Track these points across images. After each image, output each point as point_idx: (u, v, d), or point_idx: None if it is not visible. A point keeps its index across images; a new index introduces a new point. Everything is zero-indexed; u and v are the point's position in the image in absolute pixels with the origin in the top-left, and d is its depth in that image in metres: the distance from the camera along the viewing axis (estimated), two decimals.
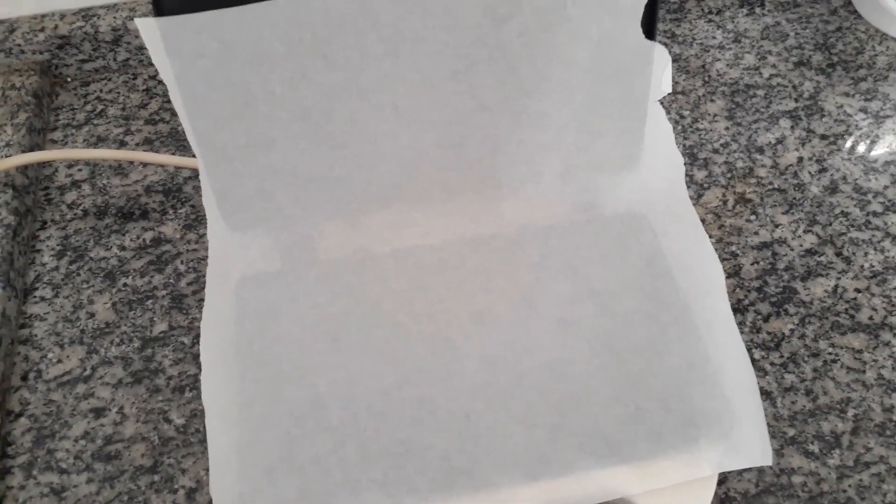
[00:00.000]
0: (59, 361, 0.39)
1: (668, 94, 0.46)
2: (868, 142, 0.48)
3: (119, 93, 0.51)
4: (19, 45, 0.50)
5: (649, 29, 0.35)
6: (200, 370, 0.37)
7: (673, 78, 0.51)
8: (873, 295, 0.41)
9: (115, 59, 0.52)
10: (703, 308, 0.34)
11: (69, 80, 0.52)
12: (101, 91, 0.51)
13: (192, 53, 0.30)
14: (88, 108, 0.50)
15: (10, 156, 0.45)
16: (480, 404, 0.32)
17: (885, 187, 0.45)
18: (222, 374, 0.32)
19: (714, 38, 0.54)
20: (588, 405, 0.31)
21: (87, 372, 0.39)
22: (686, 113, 0.49)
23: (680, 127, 0.48)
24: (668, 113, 0.48)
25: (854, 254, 0.43)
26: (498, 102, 0.34)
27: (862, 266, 0.42)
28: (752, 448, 0.30)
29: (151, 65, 0.53)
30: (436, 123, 0.34)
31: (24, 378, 0.39)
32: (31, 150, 0.47)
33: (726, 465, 0.30)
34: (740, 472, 0.35)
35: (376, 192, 0.35)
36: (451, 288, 0.35)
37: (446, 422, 0.31)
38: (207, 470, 0.35)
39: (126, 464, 0.36)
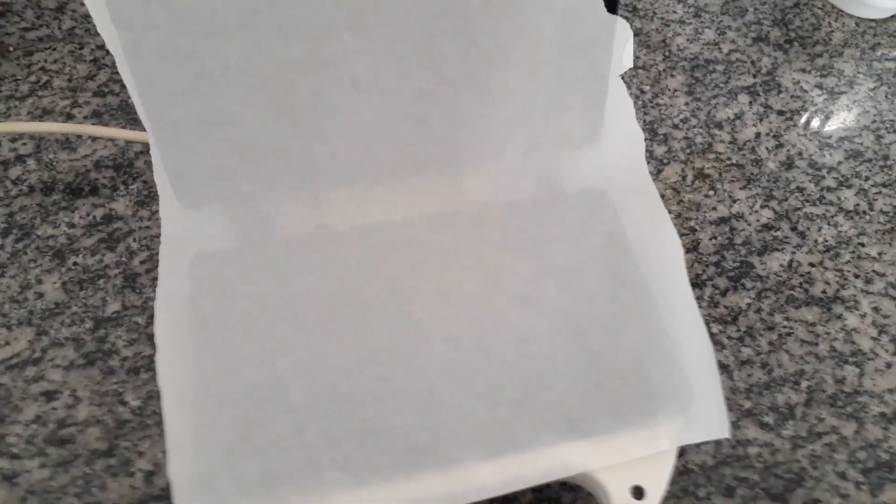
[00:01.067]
0: (7, 344, 0.38)
1: (630, 69, 0.46)
2: (823, 118, 0.48)
3: (65, 63, 0.49)
4: None
5: (611, 3, 0.35)
6: (155, 351, 0.36)
7: (634, 53, 0.51)
8: (826, 269, 0.42)
9: (59, 28, 0.50)
10: (663, 285, 0.34)
11: (11, 49, 0.50)
12: (45, 61, 0.49)
13: (141, 24, 0.29)
14: (32, 78, 0.48)
15: None
16: (444, 382, 0.31)
17: (839, 163, 0.46)
18: (178, 355, 0.31)
19: (675, 12, 0.54)
20: (550, 382, 0.32)
21: (37, 354, 0.37)
22: (647, 88, 0.49)
23: (640, 102, 0.48)
24: (629, 88, 0.48)
25: (808, 228, 0.43)
26: (461, 76, 0.33)
27: (816, 241, 0.43)
28: (710, 422, 0.31)
29: (99, 34, 0.51)
30: (398, 98, 0.33)
31: None
32: None
33: (685, 438, 0.30)
34: (698, 445, 0.36)
35: (338, 167, 0.35)
36: (415, 265, 0.34)
37: (409, 400, 0.31)
38: (165, 452, 0.35)
39: (80, 447, 0.35)
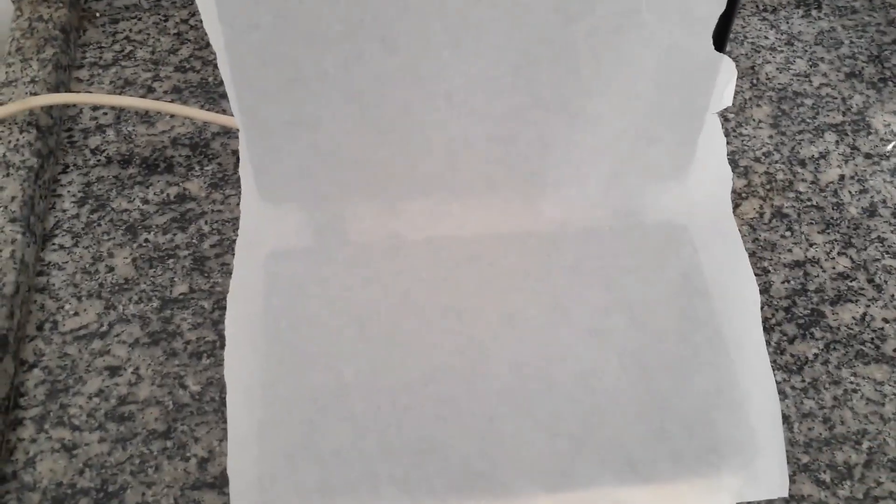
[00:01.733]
0: (76, 314, 0.38)
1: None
2: None
3: (149, 34, 0.49)
4: None
5: (720, 40, 0.34)
6: (219, 337, 0.37)
7: None
8: None
9: None
10: (737, 331, 0.33)
11: (98, 15, 0.50)
12: (130, 31, 0.49)
13: (246, 24, 0.29)
14: (117, 47, 0.49)
15: (37, 93, 0.43)
16: (505, 409, 0.31)
17: None
18: (247, 351, 0.32)
19: (766, 38, 0.52)
20: (613, 420, 0.31)
21: (104, 328, 0.38)
22: (731, 116, 0.48)
23: (724, 130, 0.47)
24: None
25: (886, 282, 0.42)
26: (555, 102, 0.33)
27: (892, 295, 0.42)
28: (771, 479, 0.30)
29: (184, 7, 0.51)
30: (488, 117, 0.33)
31: (40, 328, 0.38)
32: (57, 87, 0.45)
33: (745, 495, 0.30)
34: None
35: (418, 179, 0.35)
36: (483, 284, 0.34)
37: (469, 423, 0.31)
38: (220, 440, 0.35)
39: (139, 426, 0.36)
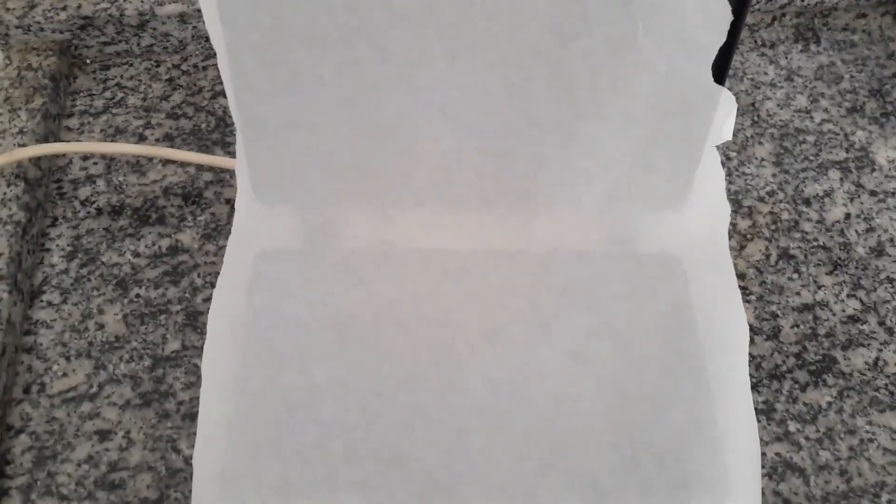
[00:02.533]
0: (65, 375, 0.37)
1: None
2: None
3: (140, 80, 0.49)
4: (39, 22, 0.47)
5: (720, 72, 0.33)
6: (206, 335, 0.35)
7: None
8: None
9: (138, 45, 0.49)
10: (721, 369, 0.33)
11: (88, 62, 0.49)
12: (121, 77, 0.49)
13: (246, 25, 0.29)
14: (108, 94, 0.48)
15: (25, 144, 0.42)
16: (475, 424, 0.31)
17: None
18: (226, 346, 0.32)
19: (766, 73, 0.51)
20: (584, 446, 0.31)
21: (94, 389, 0.37)
22: (733, 154, 0.47)
23: (726, 169, 0.46)
24: None
25: None
26: (549, 121, 0.33)
27: None
28: None
29: (176, 52, 0.50)
30: (482, 132, 0.33)
31: (27, 391, 0.37)
32: (46, 137, 0.44)
33: None
34: None
35: (411, 189, 0.35)
36: (469, 299, 0.34)
37: (437, 435, 0.30)
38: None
39: (130, 494, 0.34)
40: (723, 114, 0.34)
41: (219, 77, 0.49)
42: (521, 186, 0.35)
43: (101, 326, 0.39)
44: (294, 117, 0.32)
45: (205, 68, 0.49)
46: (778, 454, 0.37)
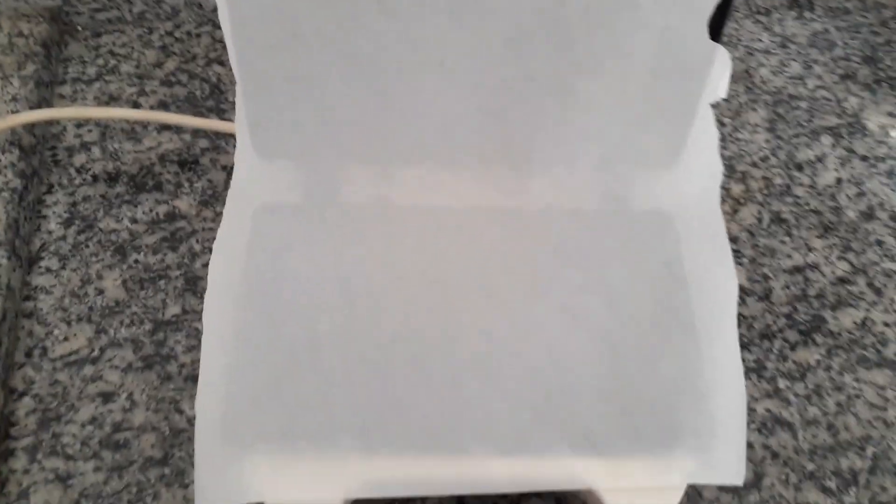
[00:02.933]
0: (66, 339, 0.37)
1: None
2: None
3: (133, 48, 0.48)
4: None
5: (716, 30, 0.34)
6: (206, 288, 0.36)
7: None
8: None
9: (130, 11, 0.49)
10: (710, 324, 0.33)
11: (80, 29, 0.49)
12: (113, 44, 0.48)
13: None
14: (100, 62, 0.47)
15: (18, 111, 0.42)
16: (470, 374, 0.32)
17: None
18: (227, 298, 0.32)
19: (760, 40, 0.52)
20: (576, 396, 0.31)
21: (96, 353, 0.37)
22: (727, 121, 0.48)
23: (720, 135, 0.47)
24: None
25: (885, 286, 0.42)
26: (548, 78, 0.33)
27: (892, 299, 0.41)
28: (727, 467, 0.31)
29: (168, 19, 0.50)
30: (481, 88, 0.33)
31: (29, 355, 0.37)
32: (39, 105, 0.44)
33: (696, 477, 0.31)
34: None
35: (410, 145, 0.35)
36: (465, 255, 0.35)
37: (434, 385, 0.31)
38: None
39: (135, 454, 0.35)
40: (718, 72, 0.35)
41: (212, 44, 0.49)
42: (518, 144, 0.35)
43: (100, 292, 0.39)
44: (295, 72, 0.32)
45: (198, 35, 0.49)
46: (768, 410, 0.38)
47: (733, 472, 0.31)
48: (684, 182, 0.37)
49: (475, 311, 0.33)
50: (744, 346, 0.39)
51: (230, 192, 0.33)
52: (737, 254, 0.42)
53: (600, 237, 0.36)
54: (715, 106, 0.48)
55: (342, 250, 0.34)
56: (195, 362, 0.37)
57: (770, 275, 0.42)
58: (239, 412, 0.30)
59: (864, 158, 0.47)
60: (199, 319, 0.38)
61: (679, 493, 0.31)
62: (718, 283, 0.34)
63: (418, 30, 0.31)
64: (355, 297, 0.33)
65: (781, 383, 0.39)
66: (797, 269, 0.42)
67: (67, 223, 0.41)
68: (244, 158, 0.34)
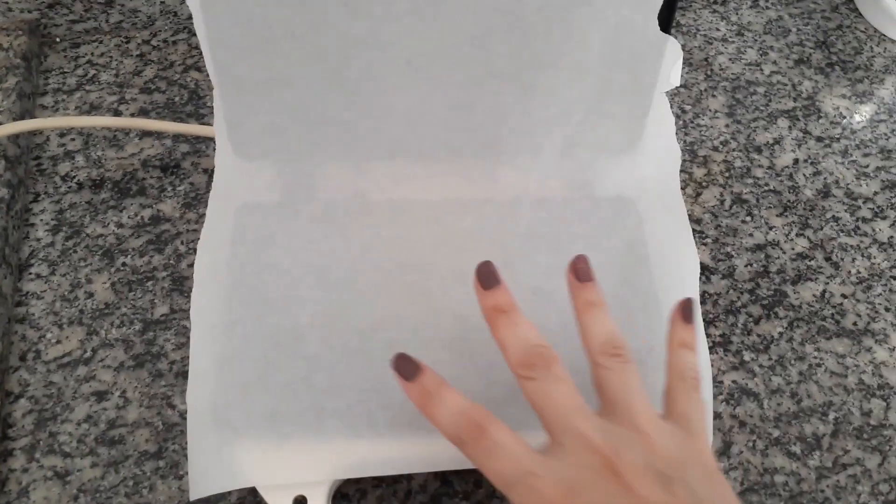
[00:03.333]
0: (59, 342, 0.39)
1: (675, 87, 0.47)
2: (861, 146, 0.49)
3: (112, 57, 0.49)
4: (6, 2, 0.47)
5: (665, 22, 0.36)
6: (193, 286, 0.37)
7: None
8: (858, 301, 0.43)
9: (107, 21, 0.50)
10: (672, 300, 0.35)
11: (58, 40, 0.50)
12: (92, 54, 0.49)
13: None
14: (80, 72, 0.49)
15: (2, 123, 0.43)
16: (447, 355, 0.34)
17: (875, 193, 0.47)
18: (212, 293, 0.34)
19: (718, 30, 0.54)
20: None
21: (88, 354, 0.38)
22: (688, 108, 0.50)
23: (681, 122, 0.49)
24: (671, 106, 0.48)
25: (842, 259, 0.44)
26: (510, 72, 0.35)
27: (849, 272, 0.44)
28: None
29: (145, 28, 0.51)
30: (447, 84, 0.35)
31: (23, 358, 0.38)
32: (22, 116, 0.45)
33: None
34: (727, 471, 0.37)
35: (382, 142, 0.36)
36: (439, 244, 0.36)
37: None
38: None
39: (130, 449, 0.36)
40: (670, 61, 0.37)
41: (189, 51, 0.50)
42: (485, 137, 0.37)
43: (90, 295, 0.40)
44: (269, 74, 0.33)
45: (174, 43, 0.50)
46: (734, 381, 0.40)
47: None
48: (644, 166, 0.39)
49: (450, 296, 0.35)
50: (710, 322, 0.41)
51: (212, 193, 0.35)
52: (700, 234, 0.44)
53: (566, 222, 0.37)
54: (676, 94, 0.50)
55: (320, 243, 0.36)
56: (185, 359, 0.38)
57: (733, 253, 0.44)
58: (229, 401, 0.32)
59: (819, 139, 0.49)
60: (187, 318, 0.40)
61: None
62: (680, 260, 0.36)
63: (385, 30, 0.33)
64: (335, 287, 0.35)
65: (746, 356, 0.41)
66: (759, 247, 0.44)
67: (55, 230, 0.42)
68: (224, 160, 0.36)
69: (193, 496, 0.30)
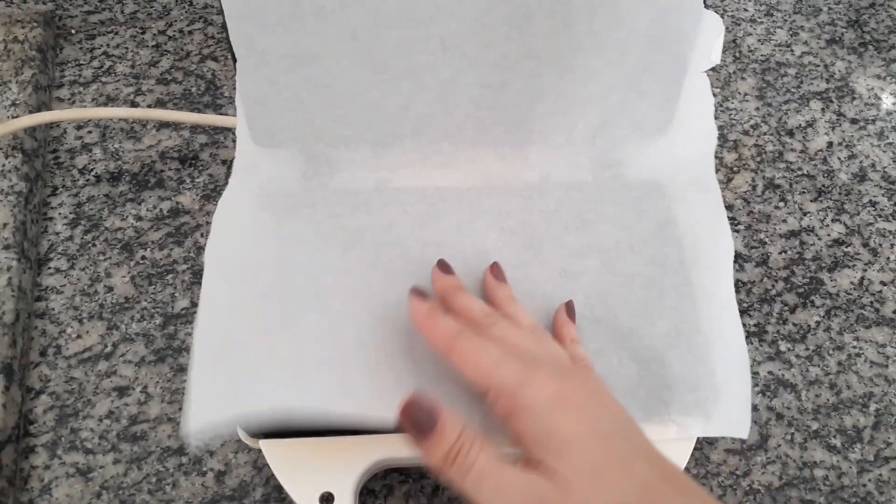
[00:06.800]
0: (79, 337, 0.38)
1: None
2: None
3: (127, 48, 0.49)
4: None
5: None
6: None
7: None
8: None
9: (122, 12, 0.49)
10: (706, 281, 0.34)
11: (73, 31, 0.49)
12: (107, 45, 0.49)
13: None
14: (95, 63, 0.48)
15: (18, 116, 0.43)
16: None
17: None
18: (232, 241, 0.32)
19: (746, 10, 0.52)
20: None
21: (109, 349, 0.38)
22: (717, 91, 0.48)
23: None
24: None
25: (881, 245, 0.42)
26: (547, 54, 0.34)
27: (888, 258, 0.42)
28: (730, 420, 0.31)
29: (160, 18, 0.50)
30: (480, 63, 0.34)
31: (44, 354, 0.38)
32: (39, 109, 0.44)
33: (697, 430, 0.31)
34: (764, 465, 0.36)
35: (409, 120, 0.35)
36: (464, 222, 0.35)
37: None
38: (235, 452, 0.35)
39: (153, 444, 0.35)
40: (711, 38, 0.35)
41: (206, 41, 0.49)
42: (517, 117, 0.36)
43: (110, 289, 0.40)
44: (293, 49, 0.32)
45: (190, 33, 0.50)
46: (770, 372, 0.38)
47: (737, 425, 0.31)
48: (679, 146, 0.37)
49: (474, 274, 0.33)
50: (744, 311, 0.40)
51: (231, 180, 0.34)
52: (732, 221, 0.43)
53: (595, 202, 0.36)
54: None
55: (344, 218, 0.34)
56: None
57: (766, 240, 0.43)
58: (249, 343, 0.29)
59: (853, 121, 0.47)
60: None
61: (688, 449, 0.31)
62: (713, 242, 0.35)
63: (418, 6, 0.32)
64: (357, 260, 0.33)
65: (783, 346, 0.39)
66: (793, 234, 0.43)
67: (73, 223, 0.42)
68: (244, 147, 0.34)
69: (192, 427, 0.27)
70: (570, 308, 0.33)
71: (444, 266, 0.33)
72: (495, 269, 0.33)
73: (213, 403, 0.27)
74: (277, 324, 0.30)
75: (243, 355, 0.29)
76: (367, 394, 0.29)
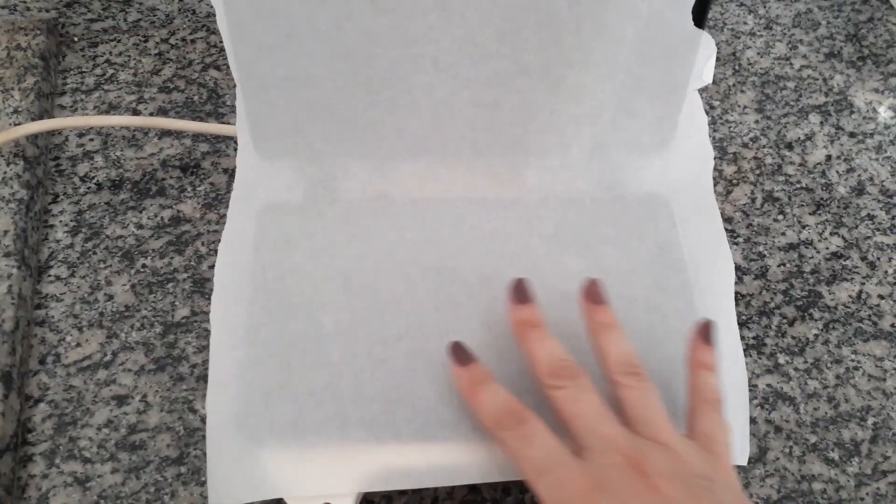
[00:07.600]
0: (78, 345, 0.38)
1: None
2: None
3: (130, 56, 0.49)
4: (24, 1, 0.47)
5: (699, 16, 0.34)
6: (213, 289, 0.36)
7: None
8: None
9: (125, 20, 0.49)
10: (708, 303, 0.34)
11: (76, 39, 0.50)
12: (110, 53, 0.49)
13: None
14: (98, 71, 0.48)
15: (20, 123, 0.43)
16: None
17: None
18: (233, 297, 0.33)
19: (745, 23, 0.52)
20: None
21: (108, 357, 0.38)
22: (716, 103, 0.48)
23: (710, 118, 0.48)
24: None
25: (878, 259, 0.43)
26: (538, 69, 0.34)
27: (886, 272, 0.42)
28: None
29: (163, 27, 0.50)
30: (473, 82, 0.34)
31: (43, 362, 0.38)
32: (41, 116, 0.44)
33: None
34: (763, 478, 0.36)
35: (406, 140, 0.36)
36: (464, 246, 0.35)
37: (439, 376, 0.32)
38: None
39: (151, 454, 0.35)
40: (703, 57, 0.36)
41: (208, 49, 0.49)
42: (512, 135, 0.36)
43: (110, 297, 0.40)
44: (292, 71, 0.33)
45: (193, 41, 0.50)
46: (769, 385, 0.38)
47: (737, 452, 0.31)
48: (676, 166, 0.37)
49: (475, 301, 0.34)
50: (743, 324, 0.40)
51: (234, 193, 0.34)
52: (731, 233, 0.43)
53: (595, 223, 0.36)
54: (704, 90, 0.49)
55: (343, 247, 0.35)
56: (206, 362, 0.38)
57: (765, 253, 0.43)
58: (251, 408, 0.31)
59: (852, 135, 0.47)
60: (209, 320, 0.39)
61: None
62: (714, 264, 0.35)
63: (410, 27, 0.32)
64: (358, 293, 0.34)
65: (781, 358, 0.39)
66: (791, 247, 0.43)
67: (74, 231, 0.42)
68: (246, 160, 0.35)
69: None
70: (706, 329, 0.30)
71: (520, 291, 0.31)
72: (592, 288, 0.31)
73: (227, 485, 0.30)
74: (277, 385, 0.31)
75: (248, 427, 0.31)
76: (366, 456, 0.30)
